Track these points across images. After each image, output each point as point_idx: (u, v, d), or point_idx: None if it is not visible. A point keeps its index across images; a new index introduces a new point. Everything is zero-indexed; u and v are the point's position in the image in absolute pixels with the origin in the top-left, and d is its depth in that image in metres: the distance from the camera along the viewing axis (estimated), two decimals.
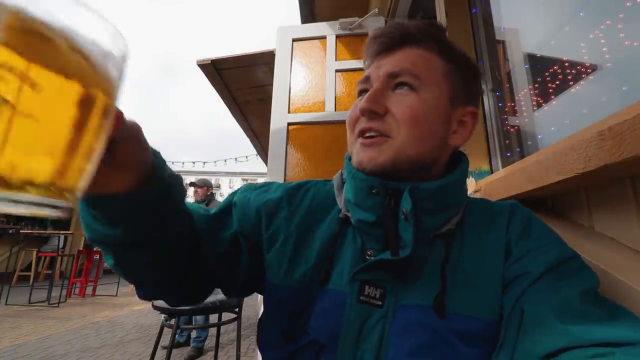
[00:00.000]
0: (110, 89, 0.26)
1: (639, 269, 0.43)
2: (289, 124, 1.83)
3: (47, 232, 5.74)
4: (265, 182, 0.58)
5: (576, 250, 0.42)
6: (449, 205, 0.46)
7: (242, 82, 3.19)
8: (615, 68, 0.71)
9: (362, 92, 0.49)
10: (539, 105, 0.96)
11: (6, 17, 0.19)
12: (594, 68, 0.76)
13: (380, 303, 0.43)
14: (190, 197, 3.19)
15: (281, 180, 1.76)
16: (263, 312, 0.52)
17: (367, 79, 0.48)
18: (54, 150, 0.22)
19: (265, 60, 2.75)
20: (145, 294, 0.50)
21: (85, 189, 0.26)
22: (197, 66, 2.90)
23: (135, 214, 0.38)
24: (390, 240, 0.43)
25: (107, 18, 0.25)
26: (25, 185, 0.20)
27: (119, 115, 0.31)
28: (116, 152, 0.32)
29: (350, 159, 0.49)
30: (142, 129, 0.35)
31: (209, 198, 3.25)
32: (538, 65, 0.98)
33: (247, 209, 0.52)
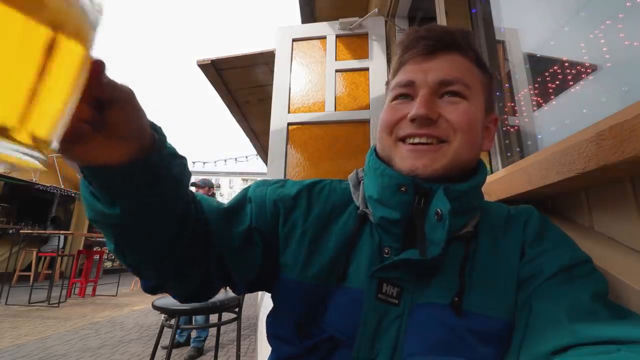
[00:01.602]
0: (80, 29, 0.23)
1: (639, 269, 0.43)
2: (289, 124, 1.83)
3: (47, 232, 5.74)
4: (279, 179, 0.57)
5: None
6: (472, 207, 0.47)
7: (242, 82, 3.20)
8: (615, 68, 0.71)
9: (401, 96, 0.47)
10: (539, 105, 0.96)
11: None
12: (594, 68, 0.76)
13: (397, 302, 0.43)
14: None
15: None
16: (274, 307, 0.52)
17: (410, 84, 0.46)
18: (16, 93, 0.20)
19: (265, 60, 2.75)
20: (148, 285, 0.48)
21: (62, 141, 0.25)
22: (197, 66, 2.90)
23: (134, 190, 0.36)
24: (417, 239, 0.43)
25: None
26: None
27: (99, 64, 0.28)
28: (107, 116, 0.30)
29: (375, 154, 0.50)
30: (135, 94, 0.33)
31: None
32: (538, 65, 0.98)
33: (264, 204, 0.51)
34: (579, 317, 0.34)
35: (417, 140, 0.44)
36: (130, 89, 0.32)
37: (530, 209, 0.49)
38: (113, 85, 0.30)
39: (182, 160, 0.42)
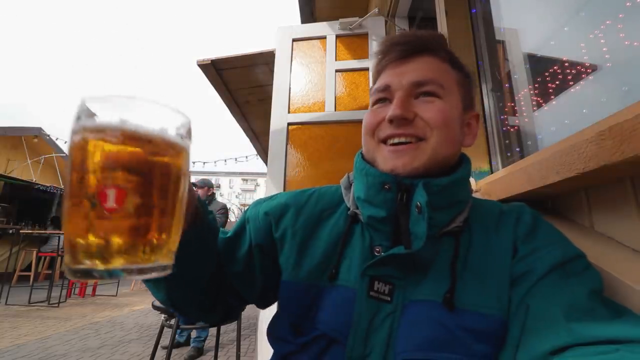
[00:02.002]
0: (187, 164, 0.32)
1: (639, 269, 0.43)
2: (289, 124, 1.83)
3: (47, 232, 5.74)
4: (272, 195, 0.62)
5: None
6: (456, 201, 0.47)
7: (242, 82, 3.19)
8: (615, 68, 0.71)
9: (379, 101, 0.51)
10: (539, 105, 0.96)
11: (121, 130, 0.26)
12: (594, 68, 0.76)
13: (389, 299, 0.44)
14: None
15: (281, 180, 1.75)
16: (276, 310, 0.54)
17: (386, 88, 0.49)
18: (169, 229, 0.29)
19: (265, 60, 2.75)
20: (187, 320, 0.59)
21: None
22: (197, 66, 2.90)
23: (184, 252, 0.42)
24: (402, 234, 0.45)
25: (180, 111, 0.30)
26: (149, 257, 0.27)
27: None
28: None
29: (362, 157, 0.52)
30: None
31: (209, 198, 3.26)
32: (538, 65, 0.98)
33: (258, 219, 0.56)
34: (577, 316, 0.34)
35: (396, 140, 0.47)
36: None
37: (521, 207, 0.50)
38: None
39: (216, 226, 0.52)
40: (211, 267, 0.51)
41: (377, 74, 0.53)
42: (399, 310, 0.43)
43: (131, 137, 0.26)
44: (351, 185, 0.54)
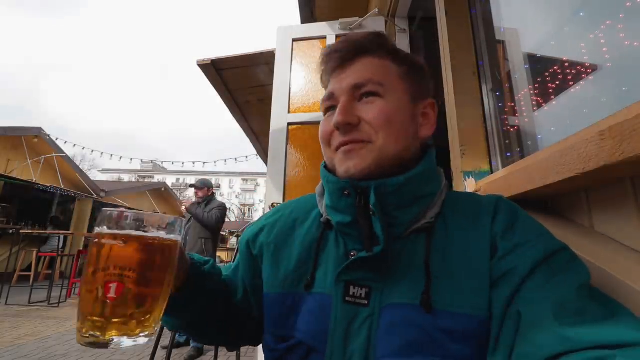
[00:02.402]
0: (179, 251, 0.42)
1: (639, 269, 0.43)
2: (289, 124, 1.83)
3: (47, 232, 5.75)
4: (258, 218, 0.66)
5: (576, 250, 0.42)
6: (420, 197, 0.47)
7: (242, 82, 3.19)
8: (615, 68, 0.71)
9: (328, 109, 0.51)
10: (539, 105, 0.96)
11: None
12: (594, 68, 0.76)
13: (366, 302, 0.43)
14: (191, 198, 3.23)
15: (281, 180, 1.76)
16: None
17: (331, 96, 0.50)
18: (155, 308, 0.38)
19: (265, 60, 2.75)
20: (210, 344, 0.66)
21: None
22: (197, 66, 2.90)
23: (185, 305, 0.51)
24: (364, 237, 0.44)
25: (172, 217, 0.41)
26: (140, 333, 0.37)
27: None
28: None
29: (325, 166, 0.52)
30: (184, 250, 0.49)
31: (209, 198, 3.25)
32: (538, 65, 0.98)
33: (241, 244, 0.60)
34: (568, 319, 0.33)
35: (348, 147, 0.47)
36: (182, 249, 0.47)
37: (498, 200, 0.48)
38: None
39: (212, 275, 0.56)
40: (218, 304, 0.55)
41: (324, 84, 0.54)
42: (377, 314, 0.42)
43: (134, 241, 0.37)
44: (324, 192, 0.54)
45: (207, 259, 0.58)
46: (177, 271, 0.45)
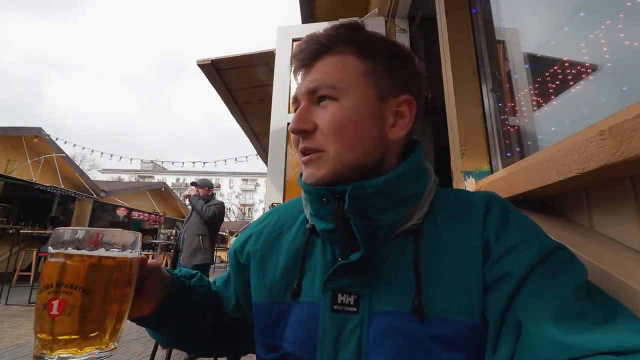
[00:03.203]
0: (134, 268, 0.41)
1: (639, 269, 0.43)
2: (289, 124, 1.83)
3: (47, 232, 5.74)
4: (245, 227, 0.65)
5: (576, 250, 0.42)
6: (404, 198, 0.44)
7: (242, 82, 3.20)
8: (615, 68, 0.71)
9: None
10: (539, 105, 0.96)
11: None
12: (594, 68, 0.76)
13: (355, 309, 0.42)
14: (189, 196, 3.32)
15: (281, 180, 1.76)
16: None
17: (295, 99, 0.49)
18: (107, 324, 0.37)
19: (265, 60, 2.75)
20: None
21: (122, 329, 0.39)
22: (197, 66, 2.90)
23: (168, 320, 0.50)
24: (340, 244, 0.43)
25: (134, 233, 0.41)
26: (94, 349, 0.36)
27: (142, 263, 0.43)
28: (141, 286, 0.43)
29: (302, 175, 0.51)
30: (161, 265, 0.50)
31: (208, 198, 3.31)
32: (538, 65, 0.98)
33: (230, 254, 0.59)
34: (568, 324, 0.32)
35: (306, 157, 0.46)
36: (157, 264, 0.48)
37: (490, 197, 0.46)
38: (145, 267, 0.44)
39: (198, 274, 0.57)
40: (206, 315, 0.55)
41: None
42: (367, 321, 0.41)
43: (78, 258, 0.37)
44: None
45: (194, 272, 0.57)
46: (151, 288, 0.45)
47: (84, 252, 0.37)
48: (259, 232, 0.56)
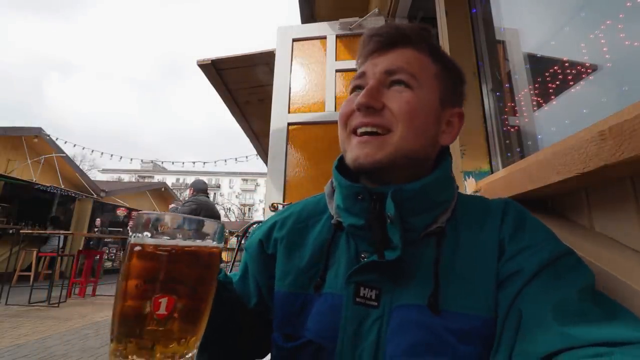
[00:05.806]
0: (219, 262, 0.36)
1: (639, 269, 0.43)
2: (289, 124, 1.83)
3: (47, 232, 5.74)
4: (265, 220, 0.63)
5: (576, 250, 0.42)
6: (435, 203, 0.46)
7: (242, 82, 3.19)
8: (615, 68, 0.71)
9: (356, 89, 0.50)
10: (539, 105, 0.96)
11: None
12: (594, 68, 0.76)
13: (376, 303, 0.43)
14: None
15: (281, 180, 1.76)
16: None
17: (362, 75, 0.49)
18: (202, 326, 0.33)
19: (265, 60, 2.75)
20: None
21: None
22: (197, 66, 2.90)
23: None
24: (377, 244, 0.44)
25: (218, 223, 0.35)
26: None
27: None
28: None
29: (337, 167, 0.51)
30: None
31: (188, 199, 3.45)
32: (538, 65, 0.98)
33: (253, 245, 0.57)
34: (569, 319, 0.33)
35: (363, 129, 0.45)
36: None
37: (507, 202, 0.48)
38: None
39: (222, 270, 0.51)
40: (235, 313, 0.51)
41: (359, 66, 0.52)
42: (387, 315, 0.42)
43: (183, 250, 0.32)
44: (334, 192, 0.54)
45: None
46: None
47: (188, 242, 0.32)
48: (283, 220, 0.56)
